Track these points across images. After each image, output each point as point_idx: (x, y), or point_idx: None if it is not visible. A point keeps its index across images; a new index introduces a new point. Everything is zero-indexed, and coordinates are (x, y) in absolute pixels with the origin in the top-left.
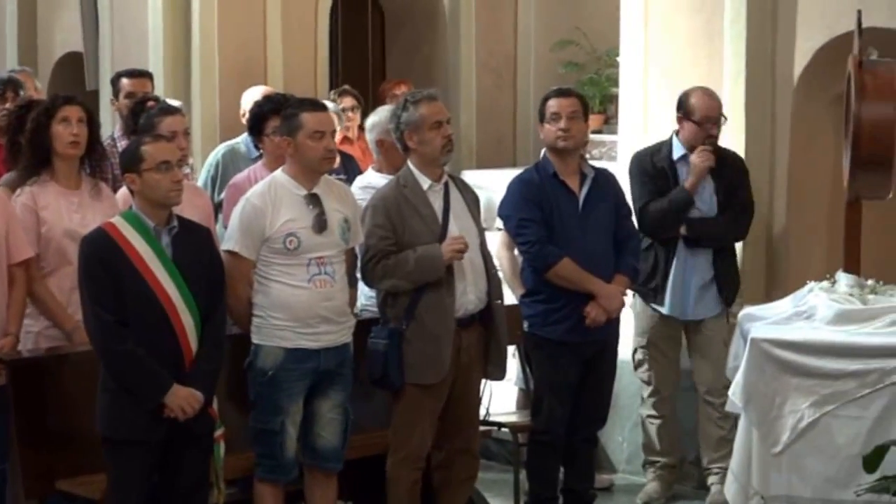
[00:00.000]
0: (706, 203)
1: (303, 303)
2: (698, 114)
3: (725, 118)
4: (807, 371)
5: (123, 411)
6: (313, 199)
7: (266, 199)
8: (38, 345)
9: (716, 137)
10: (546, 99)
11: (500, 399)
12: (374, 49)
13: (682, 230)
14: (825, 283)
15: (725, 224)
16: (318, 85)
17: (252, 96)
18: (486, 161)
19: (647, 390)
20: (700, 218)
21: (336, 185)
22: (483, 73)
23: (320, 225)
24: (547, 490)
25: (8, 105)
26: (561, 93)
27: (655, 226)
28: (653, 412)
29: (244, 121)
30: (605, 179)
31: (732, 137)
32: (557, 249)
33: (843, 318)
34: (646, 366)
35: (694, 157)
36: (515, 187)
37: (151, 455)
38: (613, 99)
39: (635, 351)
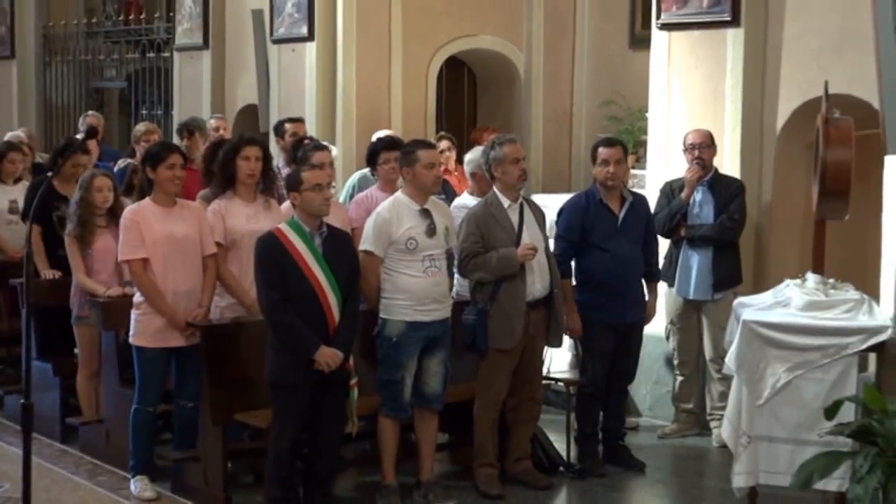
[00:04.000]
0: (706, 214)
1: (420, 288)
2: (685, 142)
3: (714, 145)
4: (783, 345)
5: (285, 364)
6: (425, 213)
7: (392, 213)
8: (224, 315)
9: (703, 160)
10: (597, 146)
11: (558, 361)
12: (468, 103)
13: (682, 232)
14: (798, 281)
15: (711, 228)
16: (427, 129)
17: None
18: (549, 187)
19: (674, 355)
20: (697, 224)
21: (439, 203)
22: (547, 124)
23: (431, 231)
24: (590, 428)
25: (184, 142)
26: (608, 142)
27: (660, 227)
28: (677, 371)
29: None
30: (640, 203)
31: (731, 172)
32: (569, 269)
33: (811, 306)
34: (671, 337)
35: (685, 173)
36: (568, 209)
37: (304, 396)
38: (643, 143)
39: (666, 327)
